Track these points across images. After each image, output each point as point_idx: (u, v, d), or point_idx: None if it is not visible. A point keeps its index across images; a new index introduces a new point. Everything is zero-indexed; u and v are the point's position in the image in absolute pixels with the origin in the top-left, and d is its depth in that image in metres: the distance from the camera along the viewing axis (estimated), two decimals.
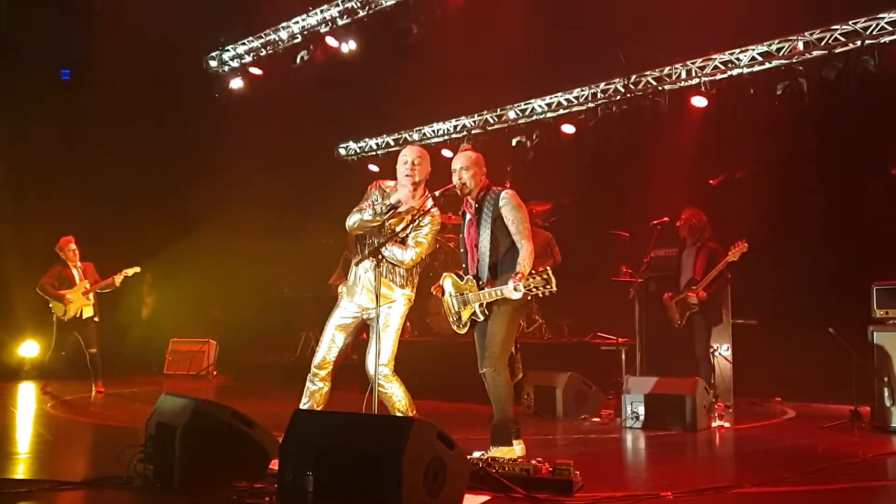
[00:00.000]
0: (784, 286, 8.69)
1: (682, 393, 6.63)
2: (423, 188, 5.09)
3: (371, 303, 4.89)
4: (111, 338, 11.14)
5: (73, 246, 9.55)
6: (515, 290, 4.67)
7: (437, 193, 4.98)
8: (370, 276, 4.93)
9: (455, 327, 5.24)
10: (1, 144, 11.73)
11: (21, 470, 4.85)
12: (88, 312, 9.49)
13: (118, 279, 9.51)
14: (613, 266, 8.87)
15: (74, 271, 9.51)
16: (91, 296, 9.48)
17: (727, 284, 8.06)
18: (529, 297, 4.94)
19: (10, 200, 11.66)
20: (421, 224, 4.92)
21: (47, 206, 11.98)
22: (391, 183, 5.13)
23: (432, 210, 4.94)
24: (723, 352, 8.21)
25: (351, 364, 5.23)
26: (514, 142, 11.55)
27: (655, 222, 8.42)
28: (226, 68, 13.18)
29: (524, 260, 4.85)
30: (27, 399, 9.21)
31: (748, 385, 8.47)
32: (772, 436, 6.80)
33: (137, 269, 9.66)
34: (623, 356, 8.34)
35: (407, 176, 4.99)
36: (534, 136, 11.50)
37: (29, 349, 11.55)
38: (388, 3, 10.71)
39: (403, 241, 4.93)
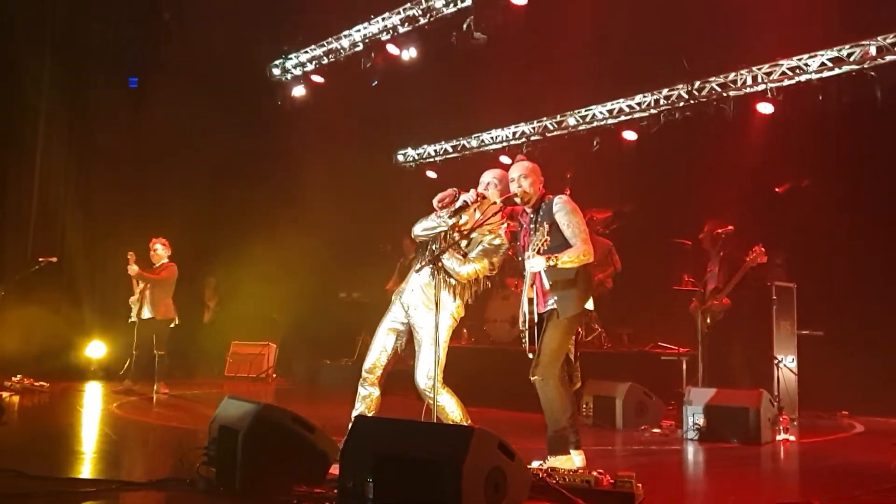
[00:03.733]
0: (852, 296, 8.47)
1: (745, 405, 6.49)
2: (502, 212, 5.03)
3: (412, 302, 4.92)
4: (173, 339, 11.40)
5: (155, 245, 9.77)
6: (534, 262, 4.72)
7: (498, 201, 4.94)
8: (422, 277, 4.93)
9: (525, 348, 5.12)
10: (70, 149, 12.06)
11: (87, 469, 4.97)
12: (145, 313, 9.63)
13: (131, 270, 9.54)
14: (675, 275, 8.74)
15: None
16: (139, 294, 9.63)
17: (757, 291, 7.95)
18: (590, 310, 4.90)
19: (78, 205, 11.99)
20: (489, 243, 4.88)
21: (114, 211, 12.29)
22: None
23: (500, 231, 4.91)
24: (788, 363, 8.01)
25: (407, 369, 5.22)
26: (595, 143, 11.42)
27: (719, 231, 8.30)
28: (288, 76, 13.35)
29: (572, 252, 4.77)
30: (93, 399, 9.45)
31: (814, 398, 8.25)
32: (840, 451, 6.60)
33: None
34: (684, 366, 8.20)
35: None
36: (594, 143, 11.41)
37: (96, 350, 11.84)
38: (450, 11, 10.69)
39: (465, 256, 4.89)
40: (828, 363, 8.19)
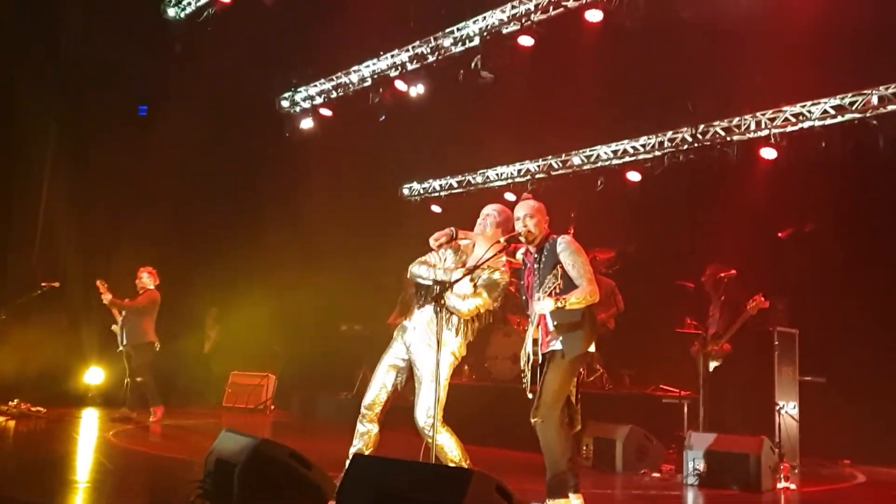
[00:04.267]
0: (855, 343, 8.43)
1: (746, 451, 6.43)
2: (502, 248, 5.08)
3: (414, 340, 4.94)
4: (172, 367, 11.35)
5: (139, 274, 9.81)
6: (543, 304, 4.70)
7: (502, 240, 4.96)
8: (424, 315, 4.95)
9: (525, 388, 5.08)
10: (76, 175, 12.10)
11: (80, 499, 4.93)
12: (124, 339, 9.68)
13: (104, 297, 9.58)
14: (678, 317, 8.72)
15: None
16: (121, 321, 9.69)
17: (759, 336, 7.95)
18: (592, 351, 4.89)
19: (82, 230, 12.02)
20: (488, 278, 4.91)
21: (118, 237, 12.32)
22: (466, 242, 5.14)
23: (501, 267, 4.95)
24: (789, 410, 7.95)
25: (407, 405, 5.21)
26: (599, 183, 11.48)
27: (721, 275, 8.29)
28: (297, 109, 13.45)
29: (579, 293, 4.75)
30: (90, 426, 9.40)
31: (816, 445, 8.17)
32: (841, 501, 6.54)
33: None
34: (685, 410, 8.13)
35: (480, 225, 5.13)
36: (599, 183, 11.46)
37: (94, 376, 11.80)
38: (458, 50, 10.82)
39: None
40: (830, 410, 8.13)
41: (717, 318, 8.11)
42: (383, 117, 12.00)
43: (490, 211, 5.20)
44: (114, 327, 9.83)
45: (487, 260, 4.85)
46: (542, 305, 4.74)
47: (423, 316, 4.96)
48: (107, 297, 9.54)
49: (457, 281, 4.81)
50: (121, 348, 9.77)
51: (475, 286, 4.91)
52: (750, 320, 7.74)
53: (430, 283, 4.95)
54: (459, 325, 4.95)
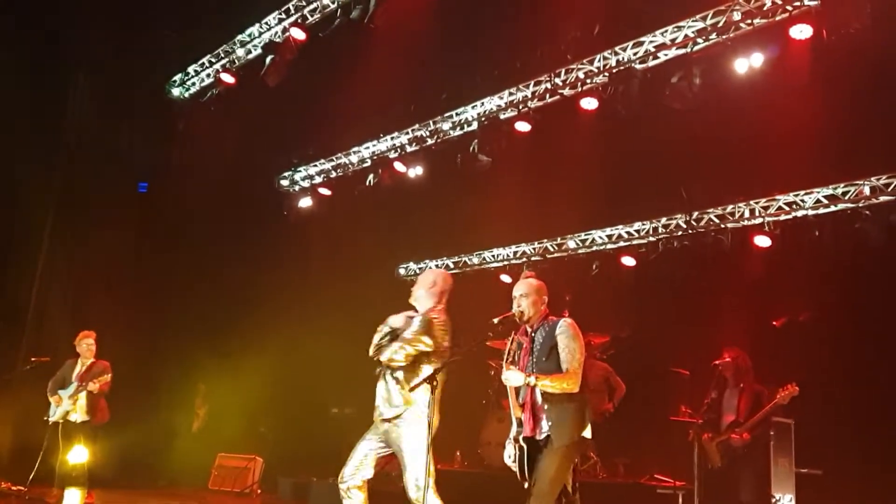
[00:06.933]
0: (852, 434, 8.32)
1: None
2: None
3: (382, 412, 5.05)
4: (160, 446, 11.11)
5: (89, 340, 8.81)
6: (509, 375, 4.68)
7: (495, 321, 4.94)
8: (380, 390, 5.13)
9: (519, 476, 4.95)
10: (73, 251, 12.10)
11: None
12: (76, 416, 8.74)
13: (92, 386, 8.48)
14: (673, 405, 8.61)
15: (78, 368, 8.75)
16: (81, 397, 8.60)
17: (770, 428, 7.78)
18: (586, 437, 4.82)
19: (76, 306, 11.94)
20: (419, 321, 5.07)
21: (111, 314, 12.22)
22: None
23: (433, 314, 5.11)
24: (786, 503, 7.78)
25: (399, 491, 5.08)
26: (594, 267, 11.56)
27: (717, 362, 8.21)
28: (296, 188, 13.57)
29: (556, 378, 4.66)
30: None
31: None
32: None
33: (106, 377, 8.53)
34: (680, 501, 7.96)
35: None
36: (594, 267, 11.51)
37: (78, 455, 11.52)
38: (456, 134, 11.04)
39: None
40: (827, 503, 7.97)
41: (737, 406, 7.87)
42: (373, 180, 12.08)
43: (433, 276, 5.43)
44: (64, 398, 8.74)
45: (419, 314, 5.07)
46: (510, 376, 4.69)
47: (380, 392, 5.03)
48: (94, 387, 8.52)
49: (384, 336, 5.05)
50: (56, 420, 8.85)
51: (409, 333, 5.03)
52: (772, 411, 7.56)
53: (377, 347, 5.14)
54: (411, 379, 4.94)
